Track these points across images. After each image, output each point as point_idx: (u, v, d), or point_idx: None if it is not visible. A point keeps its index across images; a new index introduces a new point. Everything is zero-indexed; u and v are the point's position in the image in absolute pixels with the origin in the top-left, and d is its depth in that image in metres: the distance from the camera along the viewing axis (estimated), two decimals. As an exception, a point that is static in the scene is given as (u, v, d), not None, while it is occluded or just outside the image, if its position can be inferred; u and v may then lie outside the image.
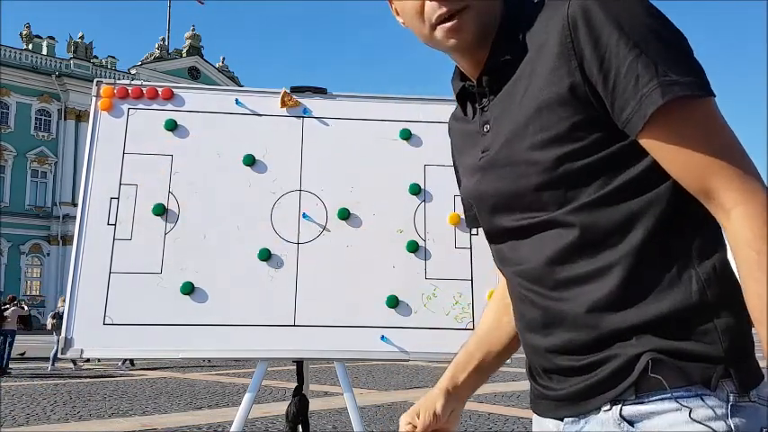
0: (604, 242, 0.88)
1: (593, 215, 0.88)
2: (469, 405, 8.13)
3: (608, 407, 0.87)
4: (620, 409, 0.86)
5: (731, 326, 0.84)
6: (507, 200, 0.96)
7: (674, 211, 0.86)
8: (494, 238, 1.03)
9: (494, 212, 1.00)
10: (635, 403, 0.85)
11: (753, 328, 0.86)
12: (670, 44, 0.84)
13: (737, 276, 0.83)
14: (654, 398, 0.84)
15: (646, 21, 0.84)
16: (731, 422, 0.82)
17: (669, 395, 0.83)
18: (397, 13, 1.02)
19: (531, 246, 0.95)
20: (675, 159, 0.84)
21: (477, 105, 1.00)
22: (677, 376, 0.84)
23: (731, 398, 0.83)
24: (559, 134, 0.87)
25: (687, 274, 0.85)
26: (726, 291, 0.84)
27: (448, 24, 0.93)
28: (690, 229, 0.86)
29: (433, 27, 0.95)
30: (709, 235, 0.86)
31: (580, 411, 0.92)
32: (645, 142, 0.85)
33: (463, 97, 1.04)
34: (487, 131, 0.97)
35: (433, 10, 0.93)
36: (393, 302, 1.80)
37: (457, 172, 1.20)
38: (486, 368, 1.24)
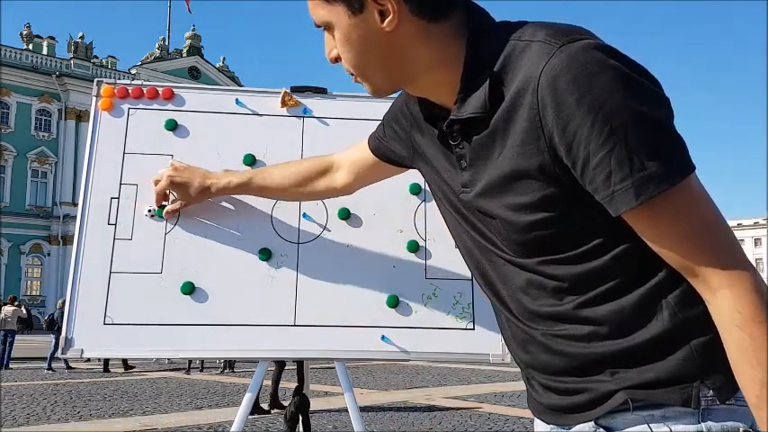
0: (574, 289, 0.90)
1: (564, 268, 0.90)
2: (469, 405, 8.14)
3: (586, 423, 0.91)
4: (597, 419, 0.90)
5: (706, 340, 0.85)
6: (489, 232, 0.98)
7: (645, 254, 0.86)
8: (468, 240, 1.05)
9: (475, 232, 1.01)
10: (611, 412, 0.89)
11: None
12: (647, 125, 0.79)
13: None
14: (627, 407, 0.87)
15: (623, 100, 0.78)
16: (702, 426, 0.84)
17: (641, 408, 0.86)
18: None
19: (506, 271, 0.98)
20: (656, 243, 0.84)
21: (448, 135, 0.98)
22: (654, 405, 0.86)
23: (703, 402, 0.84)
24: (531, 203, 0.87)
25: (658, 305, 0.86)
26: (698, 309, 0.85)
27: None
28: (659, 264, 0.86)
29: None
30: None
31: (560, 423, 0.97)
32: (624, 218, 0.84)
33: (430, 117, 1.03)
34: (465, 168, 0.96)
35: None
36: (393, 302, 1.80)
37: (385, 124, 1.28)
38: (247, 191, 1.65)
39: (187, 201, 1.72)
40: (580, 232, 0.87)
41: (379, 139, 1.32)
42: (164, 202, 1.76)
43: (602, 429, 0.90)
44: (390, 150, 1.28)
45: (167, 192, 1.74)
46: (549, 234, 0.88)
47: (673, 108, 0.83)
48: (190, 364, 12.93)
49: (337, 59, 0.98)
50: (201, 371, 13.01)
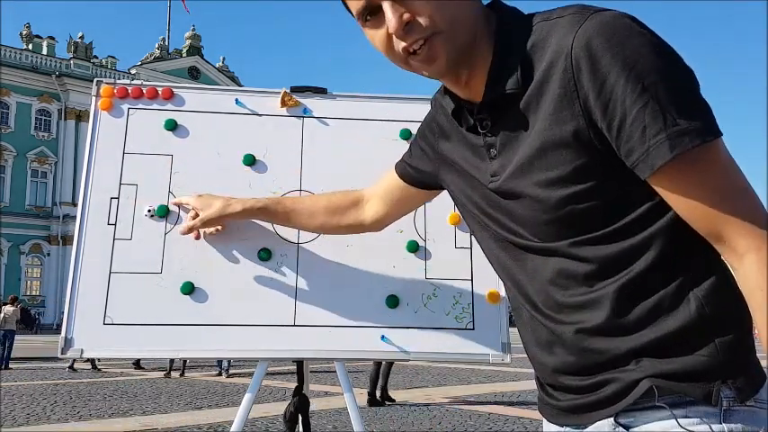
0: (605, 273, 0.90)
1: (595, 249, 0.90)
2: (469, 405, 8.14)
3: (604, 420, 0.91)
4: (616, 415, 0.90)
5: (730, 339, 0.85)
6: (514, 224, 0.98)
7: (675, 238, 0.87)
8: (493, 243, 1.05)
9: (499, 228, 1.01)
10: (630, 410, 0.88)
11: (754, 337, 0.86)
12: (678, 86, 0.82)
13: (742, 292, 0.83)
14: (648, 405, 0.87)
15: (654, 62, 0.81)
16: (725, 426, 0.84)
17: (663, 406, 0.86)
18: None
19: (533, 265, 0.97)
20: (685, 205, 0.84)
21: (477, 124, 0.99)
22: (677, 399, 0.86)
23: (725, 403, 0.84)
24: (563, 176, 0.88)
25: (686, 296, 0.86)
26: (724, 306, 0.85)
27: (419, 56, 0.91)
28: (689, 252, 0.87)
29: (405, 59, 0.93)
30: (706, 254, 0.86)
31: (580, 423, 0.96)
32: (653, 184, 0.85)
33: (457, 111, 1.03)
34: (494, 156, 0.97)
35: (399, 44, 0.91)
36: (393, 302, 1.80)
37: (412, 145, 1.27)
38: (272, 215, 1.59)
39: (206, 215, 1.65)
40: (611, 208, 0.88)
41: (404, 161, 1.32)
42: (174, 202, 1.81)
43: (620, 428, 0.89)
44: (416, 169, 1.27)
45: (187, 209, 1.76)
46: (581, 210, 0.88)
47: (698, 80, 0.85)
48: (171, 368, 12.48)
49: (409, 22, 0.89)
50: (182, 374, 12.33)
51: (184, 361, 12.00)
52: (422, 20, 0.88)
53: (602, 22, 0.83)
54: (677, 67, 0.83)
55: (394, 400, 8.40)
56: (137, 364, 13.81)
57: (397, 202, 1.40)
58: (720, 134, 0.82)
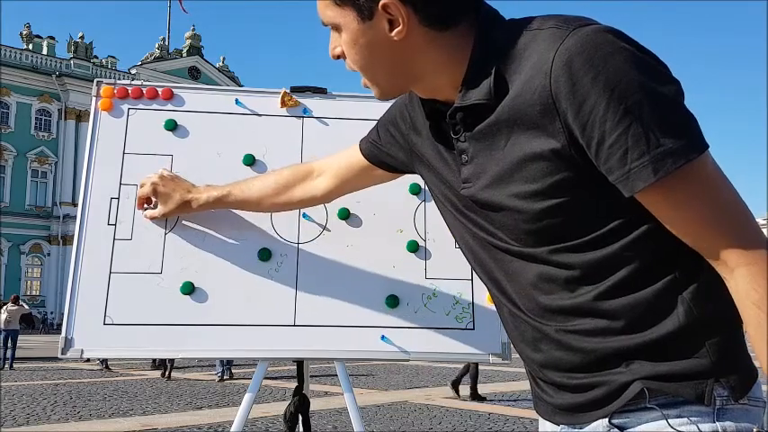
0: (589, 279, 0.89)
1: (577, 256, 0.89)
2: (469, 405, 8.15)
3: (599, 421, 0.91)
4: (611, 417, 0.90)
5: (720, 339, 0.85)
6: (493, 227, 0.97)
7: (662, 242, 0.86)
8: (470, 238, 1.04)
9: (478, 229, 1.01)
10: (624, 410, 0.88)
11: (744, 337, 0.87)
12: (662, 103, 0.80)
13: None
14: (641, 406, 0.87)
15: (637, 79, 0.79)
16: (718, 425, 0.84)
17: (654, 407, 0.86)
18: None
19: (514, 267, 0.97)
20: (671, 221, 0.84)
21: (449, 128, 0.99)
22: (670, 399, 0.86)
23: (718, 402, 0.84)
24: (543, 189, 0.87)
25: (674, 299, 0.86)
26: (713, 307, 0.85)
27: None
28: (675, 255, 0.86)
29: None
30: (693, 256, 0.86)
31: (574, 422, 0.95)
32: (638, 199, 0.84)
33: (431, 111, 1.03)
34: (465, 162, 0.96)
35: None
36: (393, 302, 1.80)
37: (381, 128, 1.27)
38: (227, 205, 1.66)
39: (166, 212, 1.71)
40: (593, 217, 0.87)
41: (373, 143, 1.31)
42: (145, 206, 1.77)
43: (615, 430, 0.89)
44: (387, 155, 1.27)
45: (151, 197, 1.74)
46: (562, 220, 0.87)
47: (683, 89, 0.84)
48: (168, 368, 12.19)
49: (340, 56, 1.00)
50: (168, 376, 12.00)
51: (171, 361, 11.82)
52: (344, 58, 0.99)
53: (584, 38, 0.81)
54: (661, 81, 0.81)
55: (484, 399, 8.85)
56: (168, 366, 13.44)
57: (354, 178, 1.42)
58: (706, 147, 0.81)
